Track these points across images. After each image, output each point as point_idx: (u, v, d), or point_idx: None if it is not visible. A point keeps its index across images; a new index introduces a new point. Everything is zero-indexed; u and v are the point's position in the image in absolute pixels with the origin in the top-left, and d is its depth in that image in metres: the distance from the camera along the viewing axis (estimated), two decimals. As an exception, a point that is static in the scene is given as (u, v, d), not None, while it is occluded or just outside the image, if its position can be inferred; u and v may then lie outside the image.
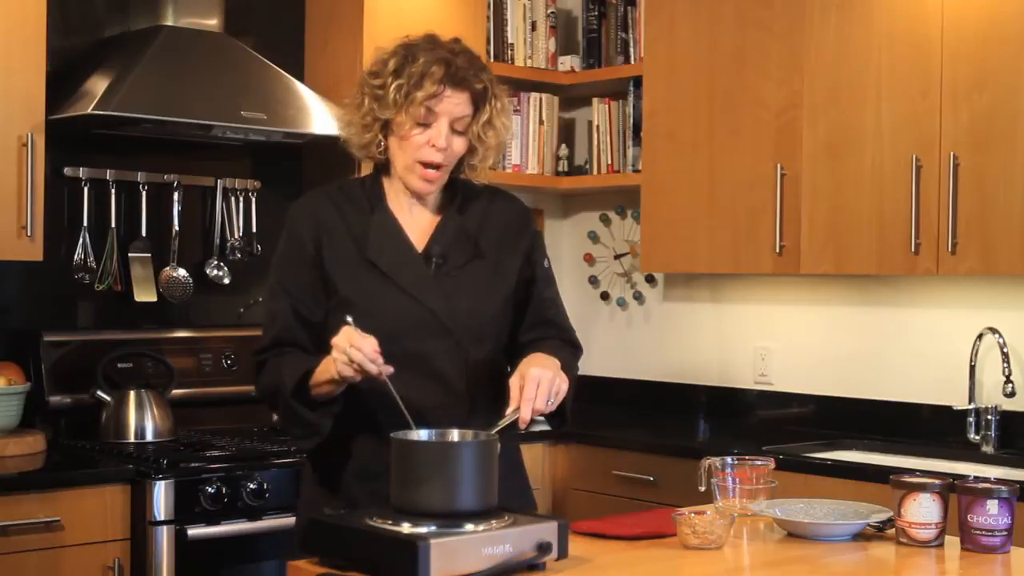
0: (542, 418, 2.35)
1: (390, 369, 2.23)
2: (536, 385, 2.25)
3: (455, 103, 2.37)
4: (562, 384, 2.30)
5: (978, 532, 2.26)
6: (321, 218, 2.44)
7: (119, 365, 3.72)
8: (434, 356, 2.39)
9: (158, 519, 3.20)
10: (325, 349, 2.31)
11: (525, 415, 2.23)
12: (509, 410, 2.25)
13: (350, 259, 2.41)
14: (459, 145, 2.41)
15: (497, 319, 2.47)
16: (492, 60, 4.40)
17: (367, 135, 2.43)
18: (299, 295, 2.42)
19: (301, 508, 2.53)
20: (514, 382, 2.27)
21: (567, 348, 2.52)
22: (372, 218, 2.44)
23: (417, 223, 2.46)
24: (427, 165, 2.39)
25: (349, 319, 2.25)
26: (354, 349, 2.20)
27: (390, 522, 2.00)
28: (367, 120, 2.42)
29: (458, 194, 2.50)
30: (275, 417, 3.52)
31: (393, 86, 2.36)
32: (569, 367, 2.42)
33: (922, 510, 2.28)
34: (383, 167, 2.48)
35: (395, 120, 2.39)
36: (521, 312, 2.51)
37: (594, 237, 4.87)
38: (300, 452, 3.48)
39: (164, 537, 3.20)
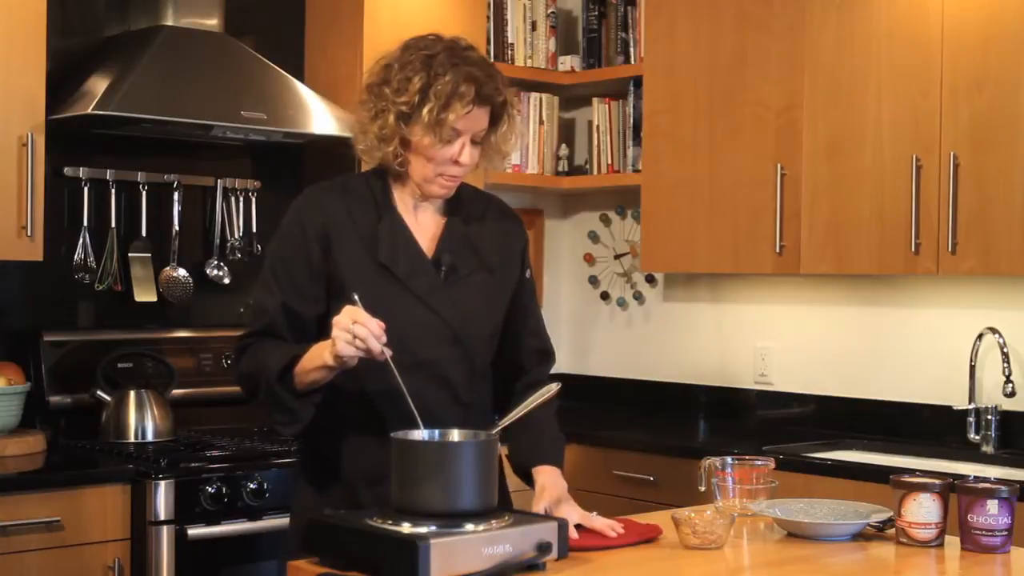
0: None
1: (390, 352, 2.19)
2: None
3: (477, 119, 2.35)
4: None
5: (978, 532, 2.26)
6: (331, 217, 2.39)
7: (119, 365, 3.72)
8: (442, 363, 2.39)
9: (158, 519, 3.20)
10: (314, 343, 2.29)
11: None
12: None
13: (361, 261, 2.37)
14: (476, 155, 2.40)
15: (499, 327, 2.49)
16: (492, 60, 4.39)
17: (387, 147, 2.37)
18: (292, 292, 2.37)
19: (297, 511, 2.48)
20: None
21: (547, 364, 2.57)
22: (382, 221, 2.40)
23: (422, 226, 2.44)
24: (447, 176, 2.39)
25: (356, 297, 2.20)
26: (359, 325, 2.15)
27: (390, 522, 2.00)
28: (385, 134, 2.36)
29: (460, 196, 2.49)
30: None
31: (425, 109, 2.31)
32: (551, 423, 2.50)
33: (922, 510, 2.28)
34: (391, 169, 2.43)
35: (420, 138, 2.34)
36: (506, 317, 2.52)
37: (594, 237, 4.87)
38: (292, 447, 3.49)
39: (164, 537, 3.20)
